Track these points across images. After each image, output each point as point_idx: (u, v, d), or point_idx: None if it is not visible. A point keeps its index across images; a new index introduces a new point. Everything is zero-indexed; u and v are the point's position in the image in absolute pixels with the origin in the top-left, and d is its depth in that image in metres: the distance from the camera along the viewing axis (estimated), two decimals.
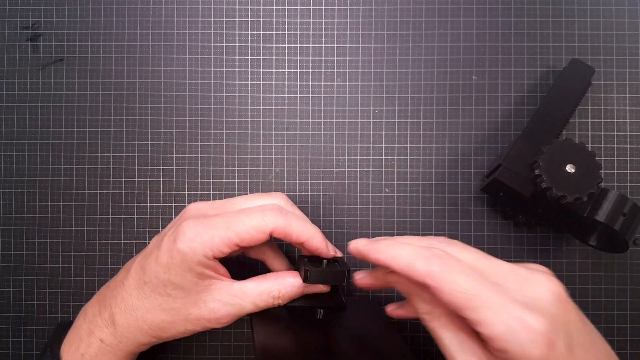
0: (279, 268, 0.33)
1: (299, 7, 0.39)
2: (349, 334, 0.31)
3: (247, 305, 0.29)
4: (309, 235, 0.29)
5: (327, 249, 0.30)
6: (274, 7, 0.39)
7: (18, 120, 0.40)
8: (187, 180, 0.39)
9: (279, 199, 0.31)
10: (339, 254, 0.32)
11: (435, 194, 0.39)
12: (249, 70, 0.39)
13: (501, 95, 0.39)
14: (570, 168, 0.31)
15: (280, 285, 0.29)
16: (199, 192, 0.39)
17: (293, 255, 0.38)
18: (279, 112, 0.39)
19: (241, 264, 0.38)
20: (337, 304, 0.32)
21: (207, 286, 0.29)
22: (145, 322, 0.29)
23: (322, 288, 0.31)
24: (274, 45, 0.39)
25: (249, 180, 0.39)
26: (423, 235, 0.38)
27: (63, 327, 0.32)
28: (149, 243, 0.31)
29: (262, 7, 0.39)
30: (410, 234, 0.38)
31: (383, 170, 0.39)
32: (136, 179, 0.39)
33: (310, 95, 0.39)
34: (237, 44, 0.39)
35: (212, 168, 0.39)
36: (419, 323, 0.30)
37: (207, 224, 0.28)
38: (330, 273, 0.30)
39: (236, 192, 0.39)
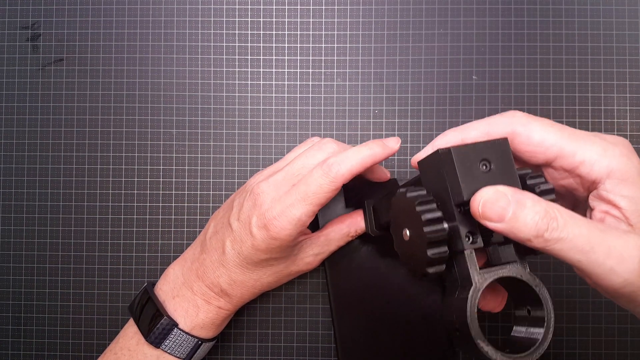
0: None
1: (299, 7, 0.39)
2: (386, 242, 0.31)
3: (332, 247, 0.34)
4: (372, 159, 0.30)
5: (391, 148, 0.31)
6: (274, 7, 0.39)
7: (18, 120, 0.40)
8: (187, 180, 0.39)
9: (330, 145, 0.32)
10: (398, 143, 0.32)
11: None
12: (249, 70, 0.39)
13: (501, 95, 0.39)
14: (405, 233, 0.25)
15: (355, 225, 0.34)
16: (198, 192, 0.39)
17: None
18: (279, 112, 0.39)
19: None
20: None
21: (300, 247, 0.33)
22: (256, 287, 0.33)
23: None
24: (274, 45, 0.39)
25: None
26: None
27: (145, 294, 0.34)
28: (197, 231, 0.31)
29: (262, 7, 0.39)
30: None
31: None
32: (136, 179, 0.39)
33: (310, 95, 0.39)
34: (237, 44, 0.39)
35: (212, 168, 0.39)
36: None
37: (290, 206, 0.29)
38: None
39: None
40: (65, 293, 0.39)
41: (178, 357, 0.33)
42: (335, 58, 0.39)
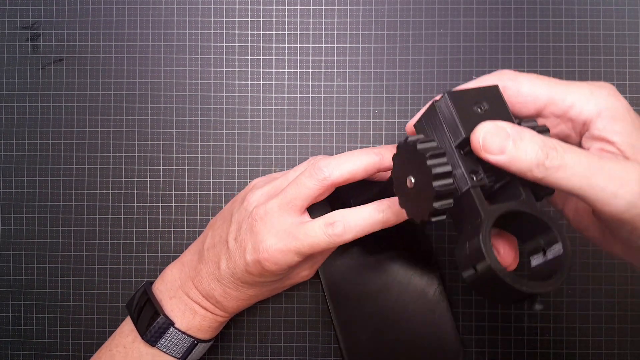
0: None
1: (299, 7, 0.39)
2: (387, 236, 0.32)
3: (326, 256, 0.34)
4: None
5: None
6: (274, 7, 0.39)
7: (18, 120, 0.40)
8: (187, 180, 0.39)
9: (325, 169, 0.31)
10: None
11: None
12: (249, 70, 0.39)
13: None
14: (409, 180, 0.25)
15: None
16: (198, 192, 0.39)
17: None
18: (279, 112, 0.39)
19: None
20: None
21: (294, 266, 0.32)
22: (250, 300, 0.34)
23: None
24: (274, 45, 0.39)
25: (249, 181, 0.39)
26: None
27: (144, 293, 0.34)
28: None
29: (262, 7, 0.39)
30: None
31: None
32: (136, 179, 0.39)
33: (310, 95, 0.39)
34: (237, 44, 0.39)
35: (212, 168, 0.39)
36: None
37: (282, 248, 0.29)
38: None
39: (236, 192, 0.39)
40: (65, 293, 0.39)
41: (173, 357, 0.33)
42: (335, 58, 0.39)
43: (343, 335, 0.35)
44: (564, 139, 0.26)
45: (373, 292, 0.36)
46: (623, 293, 0.38)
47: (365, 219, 0.28)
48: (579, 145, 0.25)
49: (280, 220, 0.30)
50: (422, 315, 0.35)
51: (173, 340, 0.32)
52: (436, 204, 0.23)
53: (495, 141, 0.22)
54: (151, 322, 0.33)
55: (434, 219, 0.24)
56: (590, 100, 0.24)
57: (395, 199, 0.27)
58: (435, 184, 0.22)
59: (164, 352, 0.32)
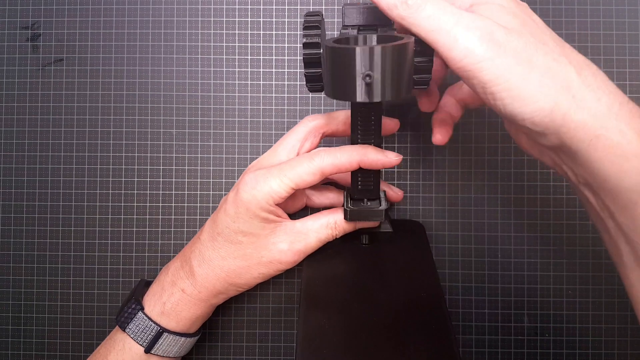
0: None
1: (298, 7, 0.39)
2: (385, 262, 0.33)
3: (311, 239, 0.32)
4: (359, 158, 0.30)
5: (385, 158, 0.30)
6: (274, 7, 0.39)
7: (18, 120, 0.40)
8: (187, 180, 0.39)
9: (312, 122, 0.33)
10: (397, 158, 0.31)
11: (435, 194, 0.39)
12: (249, 70, 0.39)
13: None
14: None
15: (335, 216, 0.32)
16: (198, 192, 0.39)
17: None
18: (279, 112, 0.39)
19: None
20: (383, 229, 0.35)
21: (272, 229, 0.31)
22: (222, 270, 0.32)
23: (371, 224, 0.34)
24: (274, 45, 0.39)
25: None
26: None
27: (145, 283, 0.35)
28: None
29: (262, 7, 0.39)
30: None
31: (383, 170, 0.39)
32: (136, 179, 0.39)
33: (310, 95, 0.39)
34: (237, 44, 0.39)
35: (212, 168, 0.39)
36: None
37: (264, 173, 0.31)
38: (368, 212, 0.31)
39: None
40: (65, 293, 0.39)
41: (140, 345, 0.32)
42: None
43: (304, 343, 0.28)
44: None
45: (354, 306, 0.30)
46: (623, 293, 0.38)
47: (345, 151, 0.30)
48: None
49: (268, 170, 0.31)
50: (417, 336, 0.28)
51: (140, 326, 0.32)
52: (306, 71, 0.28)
53: None
54: (124, 304, 0.33)
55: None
56: None
57: (383, 150, 0.31)
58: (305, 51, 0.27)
59: (132, 338, 0.32)
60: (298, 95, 0.39)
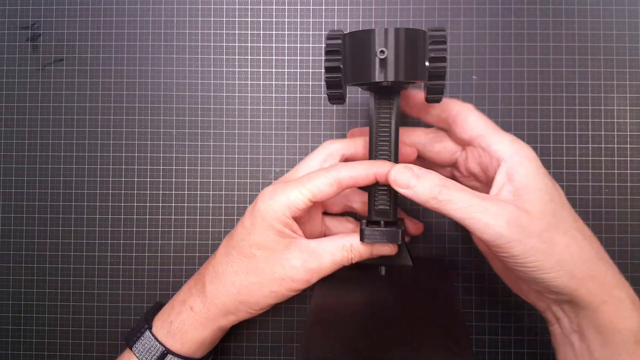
0: None
1: (298, 7, 0.39)
2: (404, 295, 0.31)
3: (326, 260, 0.31)
4: (376, 170, 0.30)
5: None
6: (274, 7, 0.39)
7: (18, 120, 0.40)
8: (187, 180, 0.39)
9: (332, 145, 0.34)
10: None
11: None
12: (249, 70, 0.39)
13: (501, 95, 0.39)
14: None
15: (352, 239, 0.31)
16: (198, 192, 0.39)
17: None
18: (279, 112, 0.39)
19: None
20: (401, 263, 0.34)
21: (287, 244, 0.31)
22: (234, 285, 0.31)
23: (387, 249, 0.33)
24: (274, 45, 0.39)
25: (249, 180, 0.39)
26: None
27: (160, 305, 0.35)
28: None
29: (262, 7, 0.39)
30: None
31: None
32: (136, 179, 0.39)
33: (310, 95, 0.39)
34: (237, 44, 0.39)
35: (212, 168, 0.39)
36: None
37: (282, 185, 0.31)
38: (384, 233, 0.31)
39: (236, 192, 0.39)
40: (65, 293, 0.39)
41: None
42: None
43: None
44: (485, 169, 0.31)
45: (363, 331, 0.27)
46: None
47: (362, 165, 0.31)
48: (493, 176, 0.30)
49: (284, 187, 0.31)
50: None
51: (146, 345, 0.32)
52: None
53: (404, 177, 0.28)
54: (136, 323, 0.33)
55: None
56: (508, 144, 0.30)
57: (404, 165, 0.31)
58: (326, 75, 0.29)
59: (137, 357, 0.32)
60: (298, 95, 0.39)
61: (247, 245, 0.31)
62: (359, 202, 0.36)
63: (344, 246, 0.31)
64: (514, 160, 0.29)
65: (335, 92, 0.29)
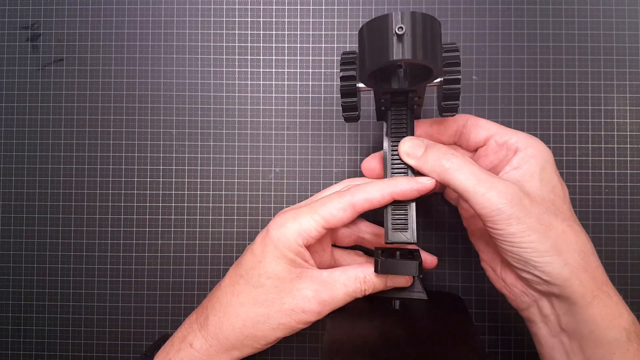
0: None
1: (299, 7, 0.39)
2: (420, 329, 0.30)
3: (338, 291, 0.30)
4: (391, 190, 0.29)
5: (417, 184, 0.29)
6: (274, 7, 0.39)
7: (18, 120, 0.40)
8: (187, 180, 0.39)
9: (350, 180, 0.34)
10: (431, 182, 0.30)
11: (435, 195, 0.39)
12: (249, 70, 0.39)
13: (501, 95, 0.39)
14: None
15: (365, 270, 0.30)
16: (198, 192, 0.39)
17: None
18: (279, 112, 0.39)
19: None
20: (416, 296, 0.33)
21: (299, 274, 0.29)
22: (239, 318, 0.29)
23: (403, 281, 0.32)
24: (274, 45, 0.39)
25: (248, 180, 0.39)
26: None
27: (165, 337, 0.33)
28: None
29: (262, 7, 0.39)
30: None
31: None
32: (136, 179, 0.39)
33: (310, 95, 0.39)
34: (237, 44, 0.39)
35: (212, 168, 0.39)
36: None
37: (294, 212, 0.30)
38: (400, 264, 0.29)
39: (236, 192, 0.39)
40: (65, 293, 0.39)
41: None
42: (335, 58, 0.39)
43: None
44: (498, 164, 0.31)
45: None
46: (623, 293, 0.38)
47: (375, 185, 0.30)
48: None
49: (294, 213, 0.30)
50: None
51: None
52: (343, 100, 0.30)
53: (414, 147, 0.30)
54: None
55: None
56: (526, 137, 0.30)
57: (413, 177, 0.31)
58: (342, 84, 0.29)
59: None
60: (298, 95, 0.39)
61: (256, 273, 0.29)
62: (369, 234, 0.34)
63: (357, 277, 0.30)
64: (529, 151, 0.29)
65: (349, 102, 0.30)
